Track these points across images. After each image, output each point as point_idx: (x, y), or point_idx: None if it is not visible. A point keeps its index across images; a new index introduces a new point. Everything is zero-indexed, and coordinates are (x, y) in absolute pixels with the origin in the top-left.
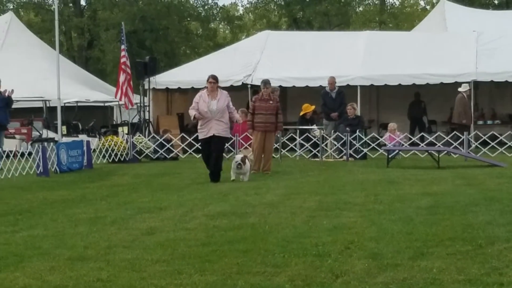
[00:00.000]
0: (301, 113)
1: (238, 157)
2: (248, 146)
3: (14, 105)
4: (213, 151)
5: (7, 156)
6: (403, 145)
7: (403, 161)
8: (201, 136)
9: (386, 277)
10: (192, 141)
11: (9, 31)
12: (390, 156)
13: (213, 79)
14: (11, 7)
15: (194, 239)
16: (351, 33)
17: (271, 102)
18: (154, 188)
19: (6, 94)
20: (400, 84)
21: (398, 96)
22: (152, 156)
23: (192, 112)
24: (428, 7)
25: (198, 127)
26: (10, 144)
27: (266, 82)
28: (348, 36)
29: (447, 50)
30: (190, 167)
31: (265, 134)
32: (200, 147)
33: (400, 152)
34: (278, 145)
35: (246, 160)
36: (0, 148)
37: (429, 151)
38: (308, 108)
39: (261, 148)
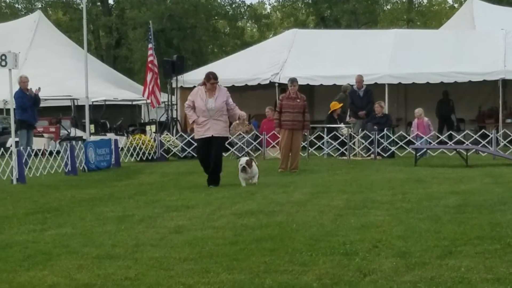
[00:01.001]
0: (329, 111)
1: (243, 160)
2: (275, 145)
3: (43, 104)
4: (213, 153)
5: (36, 155)
6: (430, 143)
7: (431, 159)
8: (197, 135)
9: (414, 275)
10: None
11: (37, 30)
12: (418, 154)
13: (215, 79)
14: (40, 6)
15: (221, 238)
16: (378, 32)
17: (298, 100)
18: (182, 187)
19: (34, 93)
20: (428, 83)
21: (426, 95)
22: (179, 154)
23: (191, 115)
24: (456, 5)
25: (194, 125)
26: (38, 143)
27: (293, 80)
28: (376, 34)
29: (475, 48)
30: None
31: (292, 133)
32: (228, 146)
33: (428, 151)
34: (306, 144)
35: (253, 163)
36: (29, 146)
37: (457, 150)
38: (335, 106)
39: (288, 146)
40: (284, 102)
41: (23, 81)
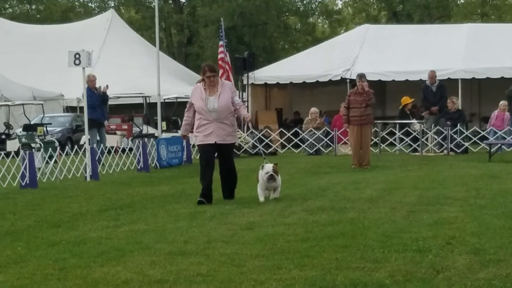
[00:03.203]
0: (401, 106)
1: (269, 167)
2: (347, 141)
3: (115, 102)
4: (222, 165)
5: (108, 152)
6: (505, 138)
7: (506, 155)
8: (197, 141)
9: (488, 273)
10: (291, 136)
11: (110, 29)
12: (492, 150)
13: (211, 71)
14: (112, 5)
15: (293, 234)
16: (452, 26)
17: (365, 95)
18: (253, 183)
19: (102, 91)
20: (502, 77)
21: (501, 89)
22: (251, 151)
23: (183, 125)
24: None
25: (195, 128)
26: (111, 140)
27: (361, 76)
28: (449, 29)
29: None
30: (288, 162)
31: (361, 128)
32: (299, 142)
33: (503, 146)
34: (377, 140)
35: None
36: (102, 144)
37: None
38: (406, 101)
39: (358, 142)
40: (351, 97)
41: (91, 80)
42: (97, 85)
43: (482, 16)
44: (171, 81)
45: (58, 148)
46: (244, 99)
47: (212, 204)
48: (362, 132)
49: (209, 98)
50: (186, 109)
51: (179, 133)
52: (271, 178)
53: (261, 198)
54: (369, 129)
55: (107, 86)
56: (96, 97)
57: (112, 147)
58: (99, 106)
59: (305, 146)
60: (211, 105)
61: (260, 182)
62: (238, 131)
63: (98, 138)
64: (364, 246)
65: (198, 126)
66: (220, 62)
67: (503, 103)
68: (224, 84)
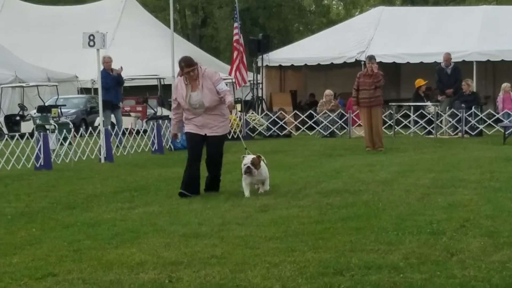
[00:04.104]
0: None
1: (248, 158)
2: (361, 123)
3: (130, 83)
4: (210, 157)
5: (123, 134)
6: None
7: None
8: (187, 128)
9: (502, 255)
10: (305, 118)
11: (124, 10)
12: (507, 132)
13: (188, 66)
14: None
15: (307, 217)
16: (467, 8)
17: (374, 77)
18: (267, 166)
19: (117, 73)
20: None
21: None
22: (265, 133)
23: (174, 126)
24: None
25: (184, 119)
26: (125, 122)
27: (371, 58)
28: (464, 11)
29: None
30: (303, 145)
31: (370, 110)
32: (313, 125)
33: None
34: (392, 122)
35: (261, 162)
36: (120, 125)
37: None
38: (420, 83)
39: (369, 124)
40: (361, 79)
41: (107, 61)
42: (112, 66)
43: None
44: None
45: (73, 129)
46: (258, 81)
47: (198, 195)
48: (372, 114)
49: (191, 94)
50: (172, 107)
51: (171, 131)
52: (247, 170)
53: (246, 193)
54: (379, 111)
55: (121, 68)
56: (111, 79)
57: (127, 129)
58: (113, 88)
59: (320, 128)
60: (195, 100)
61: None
62: (252, 113)
63: (114, 120)
64: (378, 229)
65: (187, 118)
66: (235, 44)
67: (506, 85)
68: (205, 74)
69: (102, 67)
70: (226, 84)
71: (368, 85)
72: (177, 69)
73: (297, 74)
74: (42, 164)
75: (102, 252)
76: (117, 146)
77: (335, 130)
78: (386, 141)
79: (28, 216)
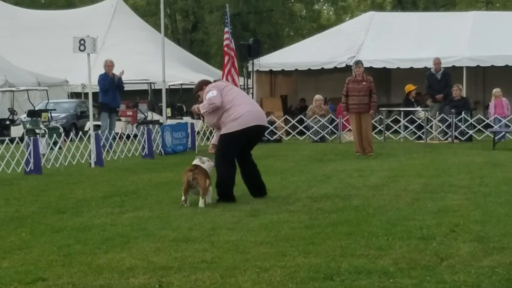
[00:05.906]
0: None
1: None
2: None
3: None
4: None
5: (113, 138)
6: (509, 126)
7: (510, 143)
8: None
9: (492, 260)
10: (296, 123)
11: (115, 15)
12: (496, 138)
13: (195, 92)
14: None
15: (297, 221)
16: (457, 14)
17: (364, 83)
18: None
19: (117, 77)
20: (507, 65)
21: (505, 77)
22: None
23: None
24: None
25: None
26: (116, 126)
27: (357, 62)
28: (454, 16)
29: None
30: (293, 149)
31: (359, 116)
32: (303, 130)
33: (507, 134)
34: (382, 127)
35: (199, 171)
36: (112, 130)
37: None
38: (410, 88)
39: (358, 129)
40: (350, 85)
41: (108, 65)
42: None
43: (487, 4)
44: (176, 67)
45: (63, 134)
46: (249, 86)
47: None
48: (361, 120)
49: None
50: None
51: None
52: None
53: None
54: (368, 116)
55: (122, 72)
56: (108, 81)
57: (117, 134)
58: (111, 91)
59: (310, 133)
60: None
61: None
62: None
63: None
64: (369, 234)
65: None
66: (225, 48)
67: (496, 90)
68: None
69: (101, 71)
70: None
71: (357, 91)
72: (168, 73)
73: (288, 79)
74: (32, 168)
75: (92, 257)
76: (107, 151)
77: (325, 135)
78: (376, 146)
79: (18, 221)
